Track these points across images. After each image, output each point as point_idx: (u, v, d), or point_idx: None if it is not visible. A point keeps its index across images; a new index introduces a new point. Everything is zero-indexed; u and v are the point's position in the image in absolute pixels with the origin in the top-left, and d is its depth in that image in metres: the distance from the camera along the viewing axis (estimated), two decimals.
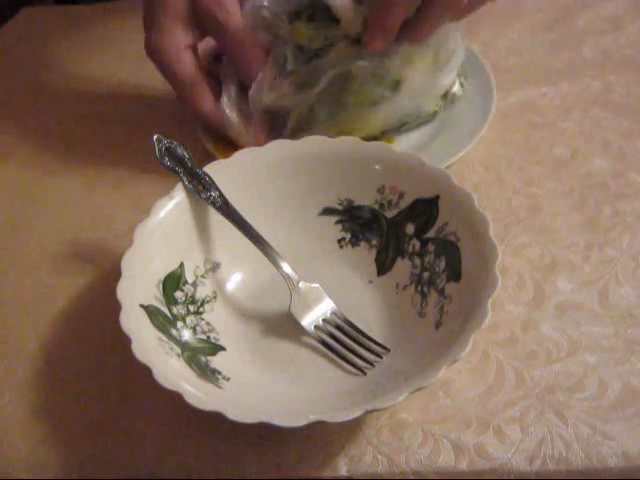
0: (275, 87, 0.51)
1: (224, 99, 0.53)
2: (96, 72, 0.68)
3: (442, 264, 0.43)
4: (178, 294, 0.43)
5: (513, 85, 0.60)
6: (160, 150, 0.45)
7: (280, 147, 0.47)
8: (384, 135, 0.55)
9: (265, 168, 0.47)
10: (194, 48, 0.54)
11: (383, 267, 0.47)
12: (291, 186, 0.47)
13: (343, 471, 0.38)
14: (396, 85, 0.51)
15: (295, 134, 0.52)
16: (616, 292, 0.45)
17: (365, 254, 0.47)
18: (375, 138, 0.53)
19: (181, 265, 0.44)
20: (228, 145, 0.54)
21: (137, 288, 0.40)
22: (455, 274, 0.42)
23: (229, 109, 0.53)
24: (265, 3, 0.50)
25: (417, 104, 0.53)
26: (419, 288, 0.44)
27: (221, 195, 0.45)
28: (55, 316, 0.47)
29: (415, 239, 0.45)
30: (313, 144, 0.47)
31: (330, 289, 0.44)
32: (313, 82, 0.51)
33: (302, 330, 0.43)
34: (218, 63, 0.56)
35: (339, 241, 0.48)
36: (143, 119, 0.62)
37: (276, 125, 0.53)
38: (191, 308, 0.44)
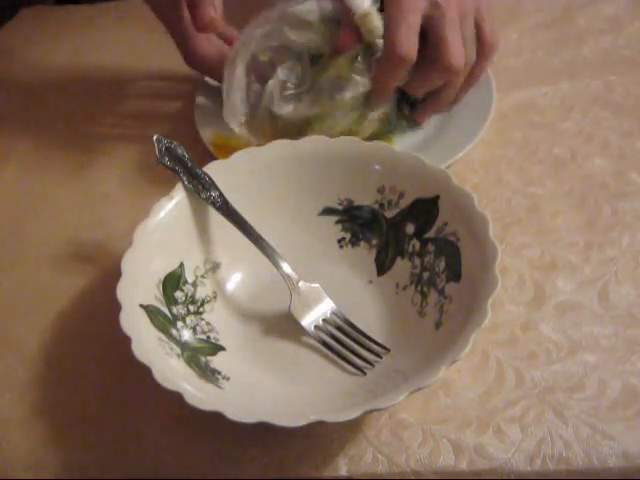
0: (290, 99, 0.51)
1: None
2: (96, 72, 0.68)
3: (442, 264, 0.43)
4: (178, 294, 0.43)
5: (513, 85, 0.60)
6: (160, 150, 0.45)
7: (280, 147, 0.47)
8: (384, 135, 0.55)
9: (265, 168, 0.47)
10: None
11: (383, 267, 0.47)
12: (291, 186, 0.47)
13: (343, 471, 0.39)
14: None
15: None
16: (616, 292, 0.45)
17: (365, 254, 0.47)
18: (376, 138, 0.53)
19: (181, 265, 0.44)
20: (228, 145, 0.54)
21: (137, 288, 0.40)
22: (455, 274, 0.42)
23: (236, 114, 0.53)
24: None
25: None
26: (419, 288, 0.44)
27: (221, 195, 0.45)
28: (55, 316, 0.47)
29: (415, 239, 0.45)
30: (313, 144, 0.47)
31: (330, 289, 0.44)
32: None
33: (302, 330, 0.43)
34: None
35: (339, 241, 0.48)
36: (143, 119, 0.62)
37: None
38: (191, 308, 0.44)
